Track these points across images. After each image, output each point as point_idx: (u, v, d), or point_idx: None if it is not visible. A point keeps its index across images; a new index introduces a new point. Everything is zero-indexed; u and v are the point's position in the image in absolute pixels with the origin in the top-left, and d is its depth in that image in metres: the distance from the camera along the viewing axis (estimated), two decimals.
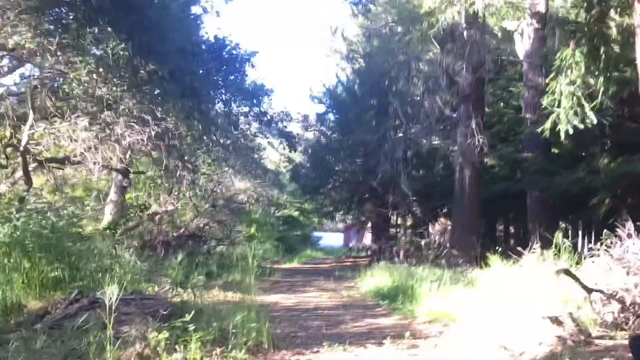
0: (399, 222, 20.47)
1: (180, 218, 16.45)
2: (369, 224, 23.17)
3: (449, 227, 17.26)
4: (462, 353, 5.23)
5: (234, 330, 4.81)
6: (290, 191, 28.36)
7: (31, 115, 8.99)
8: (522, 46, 13.11)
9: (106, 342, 4.05)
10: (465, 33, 10.03)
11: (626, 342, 5.44)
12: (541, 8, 12.19)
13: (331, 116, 19.02)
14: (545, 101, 6.34)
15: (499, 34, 13.60)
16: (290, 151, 16.25)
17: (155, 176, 14.92)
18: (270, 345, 5.18)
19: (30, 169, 10.27)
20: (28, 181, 10.05)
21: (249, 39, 55.44)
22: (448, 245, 12.28)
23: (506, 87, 14.60)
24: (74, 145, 8.72)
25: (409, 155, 14.07)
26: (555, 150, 13.41)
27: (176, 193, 15.22)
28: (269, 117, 11.94)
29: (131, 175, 13.71)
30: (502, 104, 14.64)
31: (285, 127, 14.20)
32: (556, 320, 5.65)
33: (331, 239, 39.20)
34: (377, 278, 10.54)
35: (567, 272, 6.00)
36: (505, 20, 13.49)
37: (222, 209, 18.41)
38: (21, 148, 9.28)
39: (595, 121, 6.42)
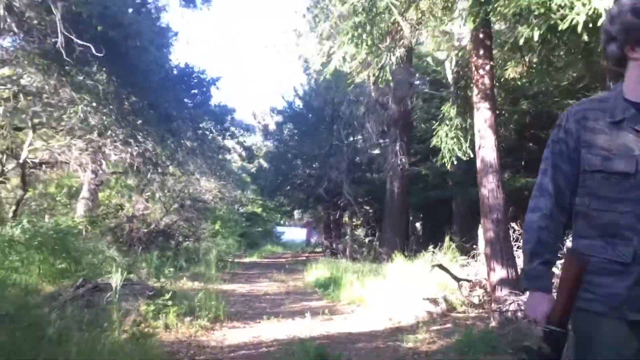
0: (350, 221, 22.63)
1: (150, 216, 18.22)
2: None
3: None
4: (361, 323, 7.39)
5: (198, 305, 6.89)
6: (254, 189, 30.19)
7: (30, 134, 10.84)
8: (451, 72, 15.47)
9: (113, 312, 6.04)
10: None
11: (477, 314, 7.71)
12: (464, 42, 14.53)
13: (289, 126, 21.01)
14: (433, 141, 8.59)
15: (432, 62, 15.93)
16: (249, 162, 18.32)
17: (128, 177, 16.66)
18: (225, 317, 7.27)
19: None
20: (24, 187, 11.86)
21: (218, 52, 56.99)
22: (378, 244, 14.58)
23: (439, 106, 16.91)
24: (67, 160, 10.61)
25: (354, 164, 16.30)
26: None
27: (147, 193, 17.03)
28: (230, 132, 13.95)
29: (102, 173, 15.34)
30: (434, 121, 16.96)
31: (245, 142, 16.25)
32: (433, 301, 7.90)
33: (295, 234, 40.67)
34: (320, 271, 12.68)
35: (440, 267, 8.25)
36: (440, 49, 15.84)
37: (189, 208, 20.25)
38: (21, 161, 11.11)
39: (472, 155, 8.68)
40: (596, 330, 1.75)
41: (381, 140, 15.09)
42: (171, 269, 11.55)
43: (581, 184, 1.84)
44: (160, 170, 12.65)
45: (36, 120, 10.67)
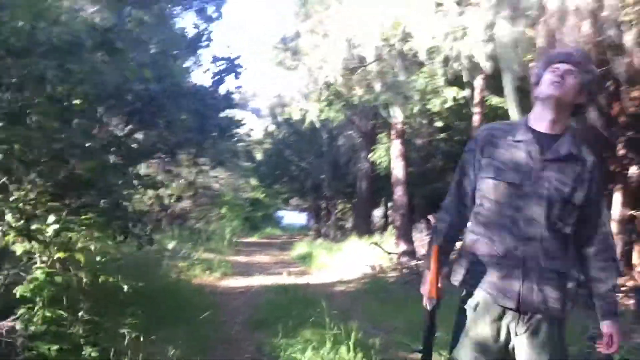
0: (333, 209, 26.58)
1: (167, 203, 22.02)
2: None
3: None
4: (318, 279, 11.29)
5: (215, 264, 10.85)
6: (256, 177, 33.99)
7: None
8: None
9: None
10: None
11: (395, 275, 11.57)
12: None
13: (286, 128, 24.80)
14: (372, 156, 12.46)
15: None
16: (250, 164, 22.30)
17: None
18: (231, 273, 11.23)
19: None
20: None
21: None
22: (352, 226, 18.61)
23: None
24: None
25: (336, 163, 20.29)
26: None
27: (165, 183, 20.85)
28: (237, 137, 17.74)
29: None
30: None
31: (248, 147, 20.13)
32: (372, 266, 11.79)
33: (294, 218, 44.02)
34: (302, 249, 16.62)
35: (376, 244, 12.14)
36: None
37: (201, 196, 24.05)
38: None
39: None
40: (476, 310, 2.09)
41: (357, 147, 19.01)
42: (190, 243, 15.46)
43: (478, 187, 2.13)
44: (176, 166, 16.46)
45: None
